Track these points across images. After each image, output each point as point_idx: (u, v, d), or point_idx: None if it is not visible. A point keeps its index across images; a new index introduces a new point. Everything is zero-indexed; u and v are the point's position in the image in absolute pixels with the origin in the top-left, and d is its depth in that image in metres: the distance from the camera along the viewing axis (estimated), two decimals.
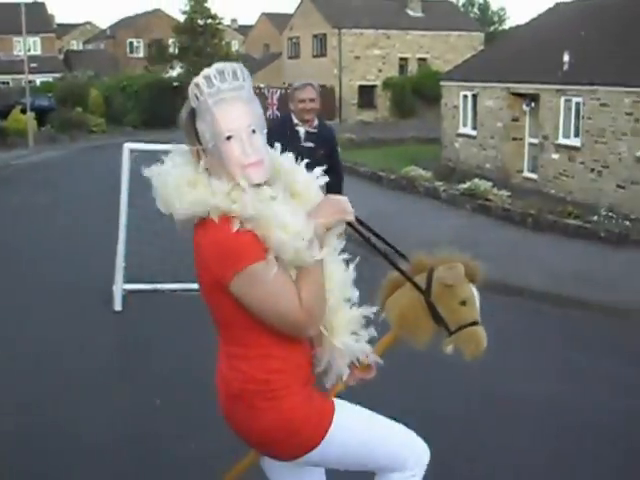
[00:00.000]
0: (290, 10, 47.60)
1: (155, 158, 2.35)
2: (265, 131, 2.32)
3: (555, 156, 19.49)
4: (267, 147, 2.32)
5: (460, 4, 62.06)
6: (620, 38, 20.03)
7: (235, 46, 60.00)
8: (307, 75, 41.95)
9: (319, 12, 42.22)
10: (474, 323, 2.55)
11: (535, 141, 20.64)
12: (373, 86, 41.72)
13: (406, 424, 2.57)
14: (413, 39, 42.22)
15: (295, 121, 6.08)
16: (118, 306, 7.49)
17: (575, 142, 18.63)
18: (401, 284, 2.63)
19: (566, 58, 20.01)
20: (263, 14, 60.90)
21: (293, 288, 2.21)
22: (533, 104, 20.80)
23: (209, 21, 46.76)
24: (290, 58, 46.19)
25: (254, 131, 2.24)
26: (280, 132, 5.84)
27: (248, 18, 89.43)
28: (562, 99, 19.64)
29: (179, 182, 2.24)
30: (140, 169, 2.45)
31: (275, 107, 39.15)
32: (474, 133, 23.34)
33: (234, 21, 70.38)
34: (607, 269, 9.24)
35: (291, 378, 2.34)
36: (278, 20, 53.02)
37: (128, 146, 7.76)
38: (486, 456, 4.54)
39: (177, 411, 5.06)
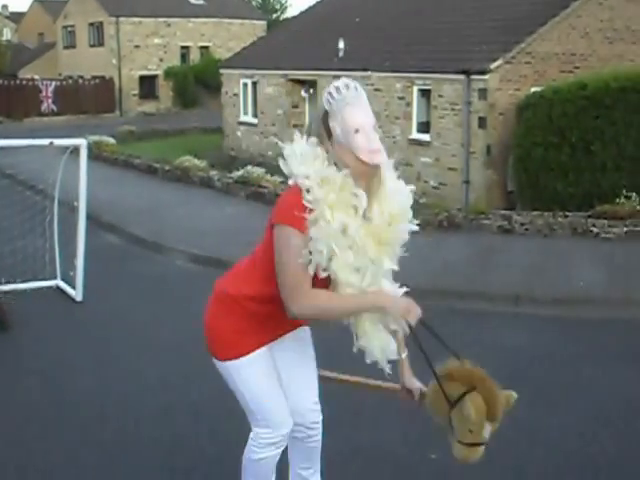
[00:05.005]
0: None
1: None
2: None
3: None
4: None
5: None
6: (391, 25, 20.53)
7: (7, 35, 56.18)
8: (84, 66, 40.29)
9: None
10: (472, 444, 2.88)
11: None
12: (154, 76, 40.44)
13: None
14: (195, 27, 41.34)
15: None
16: None
17: None
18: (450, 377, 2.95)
19: (341, 45, 20.23)
20: (35, 0, 57.27)
21: (306, 275, 2.75)
22: (312, 90, 20.81)
23: None
24: (66, 48, 43.75)
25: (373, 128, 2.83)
26: None
27: (20, 4, 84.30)
28: None
29: (307, 153, 2.84)
30: None
31: (50, 100, 36.92)
32: (255, 121, 23.08)
33: (5, 7, 65.74)
34: None
35: (245, 314, 3.01)
36: (52, 7, 49.77)
37: None
38: None
39: None
